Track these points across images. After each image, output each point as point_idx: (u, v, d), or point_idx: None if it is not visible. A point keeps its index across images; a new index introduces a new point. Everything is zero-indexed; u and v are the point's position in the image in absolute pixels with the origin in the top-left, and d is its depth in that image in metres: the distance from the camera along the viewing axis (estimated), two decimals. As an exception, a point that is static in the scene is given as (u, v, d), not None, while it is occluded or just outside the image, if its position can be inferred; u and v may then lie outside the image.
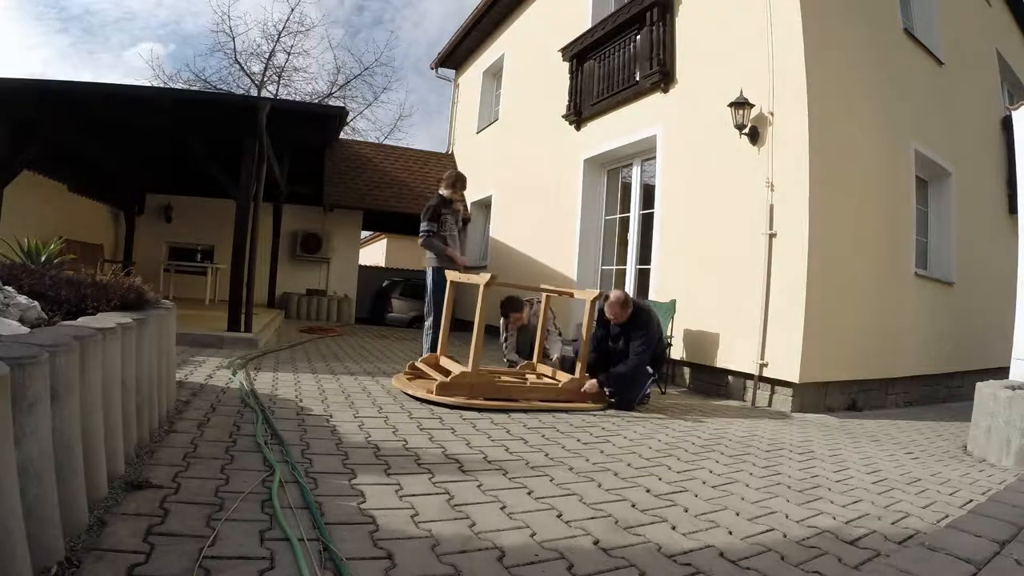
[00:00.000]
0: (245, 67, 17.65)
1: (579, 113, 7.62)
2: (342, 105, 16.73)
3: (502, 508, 1.86)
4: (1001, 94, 8.20)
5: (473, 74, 12.18)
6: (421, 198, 10.69)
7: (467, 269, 4.96)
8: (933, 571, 1.59)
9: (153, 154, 8.28)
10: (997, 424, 3.32)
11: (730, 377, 5.18)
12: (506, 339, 5.41)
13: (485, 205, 10.82)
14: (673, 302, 5.45)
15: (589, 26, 7.52)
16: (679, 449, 2.98)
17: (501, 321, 5.43)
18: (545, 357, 4.83)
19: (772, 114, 4.96)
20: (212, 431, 2.43)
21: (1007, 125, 7.22)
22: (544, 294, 4.61)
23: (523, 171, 9.30)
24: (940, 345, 6.25)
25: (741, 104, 5.02)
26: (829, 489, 2.47)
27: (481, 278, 3.76)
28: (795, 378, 4.56)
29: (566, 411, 3.73)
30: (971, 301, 6.80)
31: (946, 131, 6.62)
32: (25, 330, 1.52)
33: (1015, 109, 4.71)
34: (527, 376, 4.29)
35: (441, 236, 4.71)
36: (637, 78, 6.58)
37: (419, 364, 4.20)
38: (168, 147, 7.49)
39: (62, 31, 30.69)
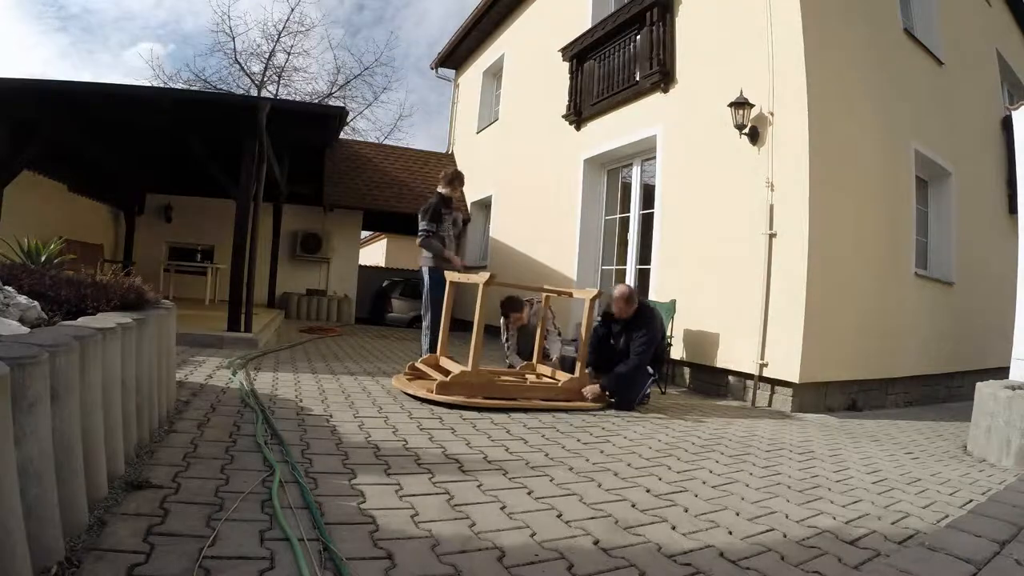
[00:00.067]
0: (245, 67, 17.67)
1: (579, 113, 7.62)
2: (342, 105, 16.74)
3: (502, 508, 1.86)
4: (1001, 94, 8.20)
5: (473, 74, 12.18)
6: (421, 198, 10.67)
7: (467, 269, 4.96)
8: (933, 571, 1.59)
9: (153, 154, 8.28)
10: (997, 424, 3.32)
11: (730, 377, 5.18)
12: (507, 340, 5.41)
13: (485, 205, 10.82)
14: (673, 302, 5.45)
15: (589, 26, 7.52)
16: (679, 449, 2.98)
17: (501, 321, 5.43)
18: (545, 357, 4.83)
19: (772, 114, 4.96)
20: (212, 431, 2.43)
21: (1007, 125, 7.22)
22: (544, 294, 4.61)
23: (523, 171, 9.30)
24: (940, 345, 6.25)
25: (741, 104, 5.02)
26: (829, 489, 2.47)
27: (480, 277, 3.76)
28: (795, 378, 4.57)
29: (566, 411, 3.73)
30: (971, 301, 6.80)
31: (946, 131, 6.62)
32: (25, 330, 1.52)
33: (1015, 109, 4.72)
34: (527, 376, 4.29)
35: (440, 237, 4.71)
36: (637, 78, 6.58)
37: (419, 365, 4.20)
38: (168, 147, 7.49)
39: (61, 30, 30.74)
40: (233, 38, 17.40)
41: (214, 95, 12.88)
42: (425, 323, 4.80)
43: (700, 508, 2.07)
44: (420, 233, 4.69)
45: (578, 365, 4.14)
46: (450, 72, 13.50)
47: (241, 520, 1.56)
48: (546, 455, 2.61)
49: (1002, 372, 4.47)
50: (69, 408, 1.34)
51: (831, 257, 4.75)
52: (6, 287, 1.82)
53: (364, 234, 17.20)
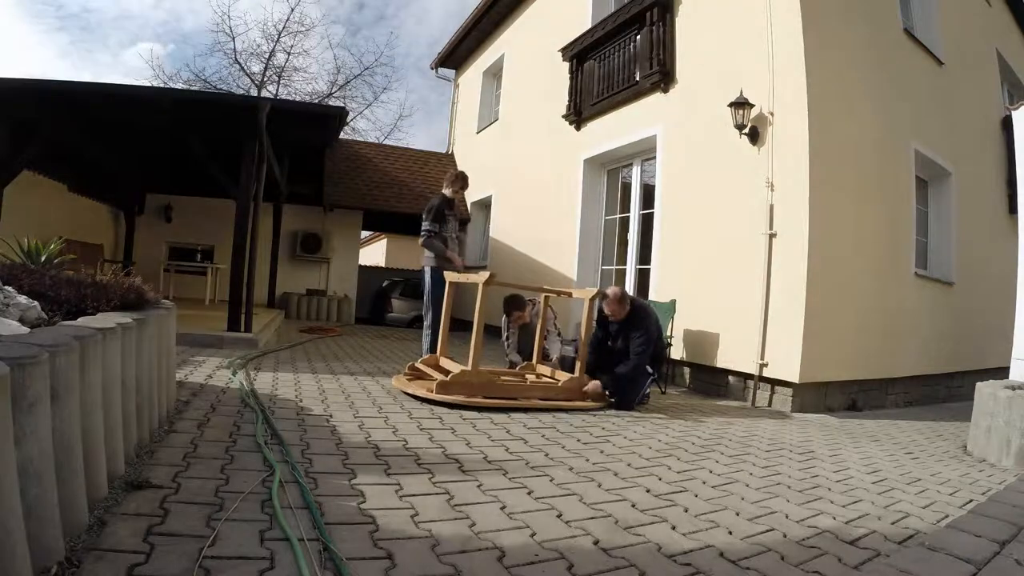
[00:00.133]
0: (245, 67, 17.67)
1: (579, 113, 7.62)
2: (342, 105, 16.74)
3: (502, 508, 1.86)
4: (1001, 94, 8.20)
5: (473, 74, 12.18)
6: (421, 198, 10.69)
7: (467, 268, 4.97)
8: (933, 571, 1.59)
9: (153, 154, 8.28)
10: (997, 424, 3.32)
11: (730, 377, 5.18)
12: (508, 338, 5.41)
13: (485, 205, 10.82)
14: (673, 302, 5.45)
15: (589, 26, 7.52)
16: (679, 449, 2.98)
17: (503, 319, 5.42)
18: (545, 357, 4.83)
19: (772, 114, 4.96)
20: (212, 431, 2.43)
21: (1007, 125, 7.22)
22: (543, 294, 4.61)
23: (523, 171, 9.30)
24: (940, 345, 6.25)
25: (741, 104, 5.02)
26: (829, 489, 2.47)
27: (480, 277, 3.76)
28: (795, 378, 4.57)
29: (566, 411, 3.73)
30: (971, 301, 6.80)
31: (946, 131, 6.62)
32: (25, 330, 1.52)
33: (1015, 109, 4.71)
34: (527, 376, 4.29)
35: (442, 237, 4.72)
36: (637, 78, 6.58)
37: (419, 365, 4.20)
38: (168, 147, 7.48)
39: (60, 29, 30.76)
40: (233, 38, 17.43)
41: (214, 95, 12.88)
42: (427, 323, 4.81)
43: (700, 508, 2.07)
44: (423, 233, 4.71)
45: (578, 365, 4.14)
46: (450, 72, 13.50)
47: (241, 520, 1.56)
48: (546, 455, 2.61)
49: (1002, 372, 4.47)
50: (69, 408, 1.34)
51: (831, 257, 4.75)
52: (6, 287, 1.82)
53: (364, 234, 17.20)
